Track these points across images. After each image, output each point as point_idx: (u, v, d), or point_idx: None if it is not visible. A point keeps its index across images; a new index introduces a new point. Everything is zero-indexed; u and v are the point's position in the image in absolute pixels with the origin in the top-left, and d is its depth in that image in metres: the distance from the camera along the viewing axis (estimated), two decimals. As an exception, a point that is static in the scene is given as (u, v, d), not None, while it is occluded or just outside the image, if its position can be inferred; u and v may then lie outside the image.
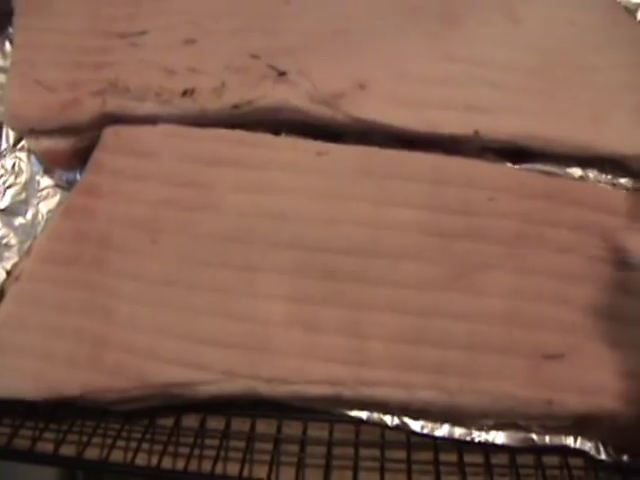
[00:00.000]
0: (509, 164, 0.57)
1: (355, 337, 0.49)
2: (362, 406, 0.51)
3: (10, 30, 0.64)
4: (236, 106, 0.55)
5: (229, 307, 0.50)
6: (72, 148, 0.57)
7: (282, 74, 0.55)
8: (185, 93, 0.56)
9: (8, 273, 0.56)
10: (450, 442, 0.50)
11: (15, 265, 0.55)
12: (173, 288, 0.51)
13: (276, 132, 0.57)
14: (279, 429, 0.52)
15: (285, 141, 0.56)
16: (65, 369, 0.50)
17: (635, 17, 0.61)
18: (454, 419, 0.50)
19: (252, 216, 0.52)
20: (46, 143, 0.57)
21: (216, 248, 0.52)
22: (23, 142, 0.60)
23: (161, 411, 0.52)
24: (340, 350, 0.49)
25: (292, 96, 0.55)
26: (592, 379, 0.48)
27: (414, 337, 0.49)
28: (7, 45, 0.64)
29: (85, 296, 0.52)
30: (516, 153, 0.56)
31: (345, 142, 0.56)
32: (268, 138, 0.55)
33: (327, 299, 0.50)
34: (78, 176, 0.59)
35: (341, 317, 0.50)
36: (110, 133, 0.56)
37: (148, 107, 0.56)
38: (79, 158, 0.57)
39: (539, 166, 0.57)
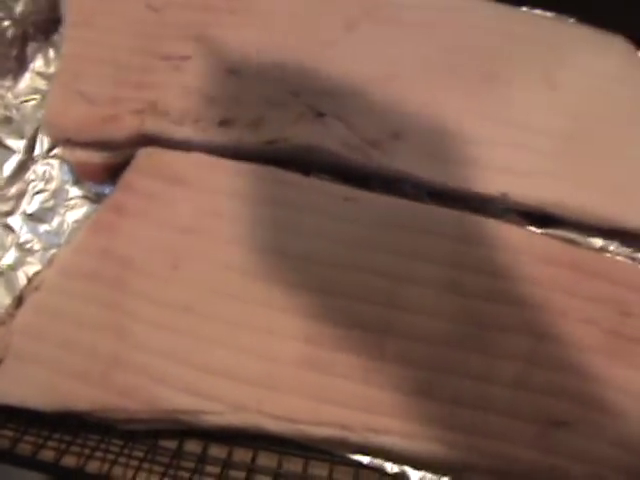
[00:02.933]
0: (532, 227, 0.57)
1: (366, 384, 0.50)
2: (365, 451, 0.52)
3: (55, 37, 0.64)
4: (271, 141, 0.56)
5: (244, 341, 0.51)
6: (105, 163, 0.58)
7: (320, 115, 0.56)
8: (223, 123, 0.56)
9: (29, 280, 0.56)
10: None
11: (36, 273, 0.56)
12: (190, 316, 0.52)
13: (306, 171, 0.58)
14: (280, 464, 0.52)
15: (315, 183, 0.56)
16: (76, 384, 0.51)
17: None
18: (456, 473, 0.51)
19: (275, 254, 0.53)
20: (80, 155, 0.58)
21: (237, 281, 0.52)
22: (56, 150, 0.61)
23: (165, 433, 0.53)
24: (350, 395, 0.50)
25: (327, 139, 0.56)
26: (595, 449, 0.48)
27: (424, 391, 0.50)
28: (51, 52, 0.65)
29: (103, 313, 0.52)
30: (539, 217, 0.57)
31: (374, 188, 0.57)
32: (298, 178, 0.56)
33: (342, 344, 0.51)
34: (107, 190, 0.59)
35: (354, 363, 0.50)
36: (143, 154, 0.56)
37: (185, 132, 0.57)
38: (110, 173, 0.58)
39: (561, 232, 0.57)
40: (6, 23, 0.64)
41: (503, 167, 0.55)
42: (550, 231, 0.57)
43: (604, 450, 0.48)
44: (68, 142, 0.57)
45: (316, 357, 0.50)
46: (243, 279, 0.52)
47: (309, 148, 0.56)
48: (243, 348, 0.51)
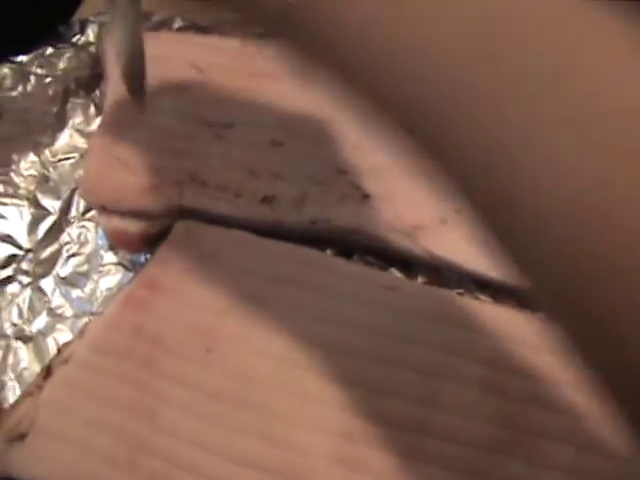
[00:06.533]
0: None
1: (400, 484, 0.48)
2: None
3: (97, 94, 0.63)
4: (314, 222, 0.54)
5: (275, 432, 0.49)
6: (141, 233, 0.56)
7: (365, 196, 0.54)
8: (265, 199, 0.55)
9: (59, 351, 0.55)
10: None
11: (66, 344, 0.55)
12: (221, 402, 0.50)
13: (349, 252, 0.56)
14: None
15: (356, 269, 0.55)
16: (101, 466, 0.49)
17: None
18: None
19: (312, 343, 0.51)
20: (117, 223, 0.56)
21: (271, 369, 0.51)
22: (92, 212, 0.59)
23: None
24: (383, 495, 0.48)
25: (371, 222, 0.54)
26: None
27: (461, 494, 0.48)
28: (92, 109, 0.63)
29: (133, 394, 0.51)
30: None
31: (417, 273, 0.55)
32: (340, 263, 0.54)
33: (376, 441, 0.49)
34: (142, 258, 0.58)
35: (389, 462, 0.48)
36: (181, 229, 0.55)
37: (224, 207, 0.55)
38: (147, 243, 0.57)
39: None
40: (48, 79, 0.63)
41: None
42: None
43: None
44: (104, 210, 0.56)
45: (349, 453, 0.49)
46: (278, 367, 0.51)
47: (352, 230, 0.54)
48: (274, 439, 0.49)
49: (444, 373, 0.50)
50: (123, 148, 0.57)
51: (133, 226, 0.56)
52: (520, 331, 0.51)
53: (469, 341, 0.51)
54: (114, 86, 0.59)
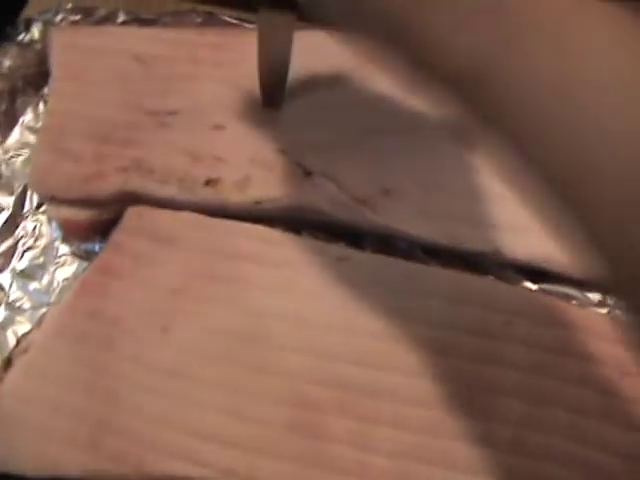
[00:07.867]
0: (529, 283, 0.56)
1: (359, 449, 0.49)
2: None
3: (45, 90, 0.64)
4: (258, 202, 0.55)
5: (233, 405, 0.50)
6: (90, 220, 0.57)
7: (308, 174, 0.55)
8: (208, 182, 0.56)
9: (18, 341, 0.56)
10: None
11: (25, 334, 0.55)
12: (179, 379, 0.51)
13: (297, 229, 0.57)
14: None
15: (306, 243, 0.56)
16: (65, 448, 0.50)
17: None
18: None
19: (266, 316, 0.52)
20: (65, 212, 0.57)
21: (226, 344, 0.52)
22: (45, 206, 0.60)
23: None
24: (343, 460, 0.49)
25: (316, 198, 0.55)
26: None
27: (417, 455, 0.49)
28: (41, 106, 0.64)
29: (92, 376, 0.51)
30: (537, 272, 0.56)
31: (367, 245, 0.57)
32: (290, 238, 0.55)
33: (334, 408, 0.50)
34: (97, 247, 0.59)
35: (346, 427, 0.49)
36: (133, 214, 0.56)
37: (170, 191, 0.56)
38: (97, 231, 0.58)
39: (558, 287, 0.56)
40: (-6, 78, 0.64)
41: (494, 223, 0.55)
42: (547, 286, 0.56)
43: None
44: (53, 199, 0.57)
45: (307, 421, 0.50)
46: (232, 342, 0.52)
47: (298, 208, 0.56)
48: (233, 412, 0.50)
49: (397, 337, 0.51)
50: (68, 139, 0.57)
51: (82, 214, 0.57)
52: (470, 292, 0.53)
53: (420, 305, 0.52)
54: (57, 82, 0.61)
